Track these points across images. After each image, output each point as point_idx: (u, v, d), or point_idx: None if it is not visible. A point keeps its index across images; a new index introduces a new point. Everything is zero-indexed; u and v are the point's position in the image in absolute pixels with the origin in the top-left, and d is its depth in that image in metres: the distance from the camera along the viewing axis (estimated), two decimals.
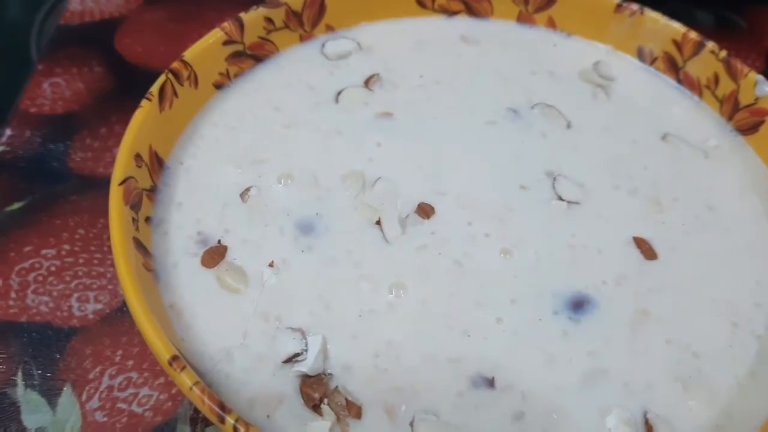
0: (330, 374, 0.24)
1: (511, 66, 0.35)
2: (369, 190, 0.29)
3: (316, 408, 0.23)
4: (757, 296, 0.28)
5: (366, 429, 0.23)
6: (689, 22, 0.35)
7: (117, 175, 0.26)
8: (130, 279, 0.24)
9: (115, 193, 0.26)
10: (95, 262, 0.34)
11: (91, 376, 0.30)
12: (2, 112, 0.40)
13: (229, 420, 0.21)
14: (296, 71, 0.34)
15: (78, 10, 0.46)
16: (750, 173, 0.32)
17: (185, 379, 0.22)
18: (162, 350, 0.22)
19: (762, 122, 0.33)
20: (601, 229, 0.29)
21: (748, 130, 0.33)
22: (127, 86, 0.42)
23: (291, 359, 0.25)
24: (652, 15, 0.35)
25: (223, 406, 0.21)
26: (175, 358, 0.22)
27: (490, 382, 0.24)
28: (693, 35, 0.34)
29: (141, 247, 0.26)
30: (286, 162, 0.30)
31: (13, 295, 0.32)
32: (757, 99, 0.32)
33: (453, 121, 0.33)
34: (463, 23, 0.37)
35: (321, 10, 0.35)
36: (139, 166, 0.28)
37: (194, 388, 0.21)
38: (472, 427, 0.23)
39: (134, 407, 0.29)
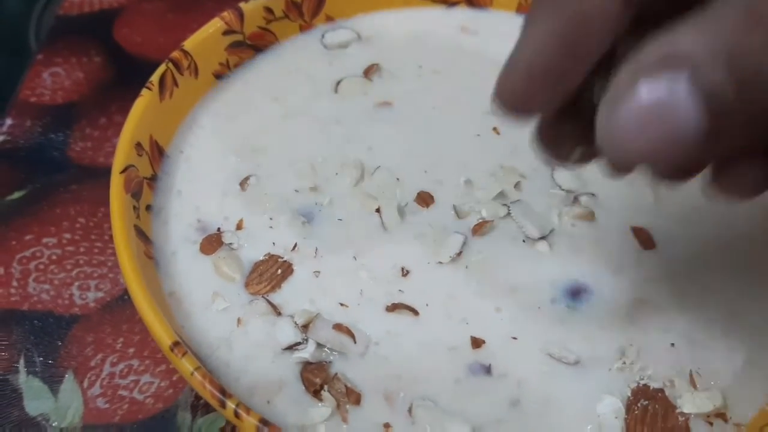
0: (330, 361, 0.25)
1: None
2: (368, 179, 0.30)
3: (316, 394, 0.24)
4: (754, 285, 0.28)
5: (365, 415, 0.24)
6: None
7: (118, 163, 0.27)
8: (132, 267, 0.24)
9: (117, 182, 0.26)
10: (96, 250, 0.34)
11: (92, 363, 0.30)
12: (2, 102, 0.40)
13: (230, 404, 0.21)
14: (296, 61, 0.34)
15: (77, 0, 0.46)
16: None
17: (186, 365, 0.22)
18: (163, 336, 0.22)
19: None
20: (600, 219, 0.29)
21: None
22: (126, 76, 0.42)
23: (292, 347, 0.25)
24: None
25: (224, 391, 0.21)
26: (176, 344, 0.22)
27: (487, 370, 0.25)
28: None
29: (142, 234, 0.26)
30: (285, 151, 0.31)
31: (14, 283, 0.32)
32: None
33: (452, 111, 0.33)
34: (463, 14, 0.37)
35: (321, 0, 0.35)
36: (140, 155, 0.28)
37: (195, 373, 0.22)
38: (469, 413, 0.24)
39: (135, 394, 0.29)
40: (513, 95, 0.18)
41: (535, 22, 0.17)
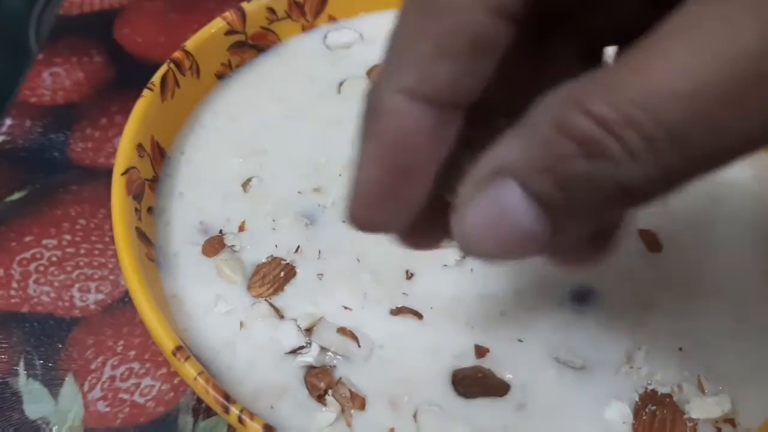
0: (334, 365, 0.24)
1: None
2: None
3: (320, 398, 0.23)
4: (762, 288, 0.28)
5: (370, 420, 0.23)
6: None
7: (119, 165, 0.26)
8: (134, 270, 0.24)
9: (118, 184, 0.26)
10: (96, 252, 0.34)
11: (93, 366, 0.30)
12: (2, 102, 0.40)
13: (234, 410, 0.21)
14: (298, 61, 0.34)
15: (77, 0, 0.46)
16: (754, 166, 0.32)
17: (189, 369, 0.22)
18: (166, 340, 0.22)
19: None
20: None
21: None
22: (126, 76, 0.42)
23: (295, 351, 0.24)
24: None
25: (227, 396, 0.21)
26: (179, 348, 0.22)
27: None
28: None
29: (143, 237, 0.26)
30: (287, 152, 0.30)
31: (14, 285, 0.32)
32: None
33: None
34: None
35: (323, 0, 0.35)
36: (141, 156, 0.28)
37: (199, 378, 0.21)
38: (475, 418, 0.23)
39: (136, 397, 0.29)
40: (362, 222, 0.18)
41: (362, 146, 0.17)
